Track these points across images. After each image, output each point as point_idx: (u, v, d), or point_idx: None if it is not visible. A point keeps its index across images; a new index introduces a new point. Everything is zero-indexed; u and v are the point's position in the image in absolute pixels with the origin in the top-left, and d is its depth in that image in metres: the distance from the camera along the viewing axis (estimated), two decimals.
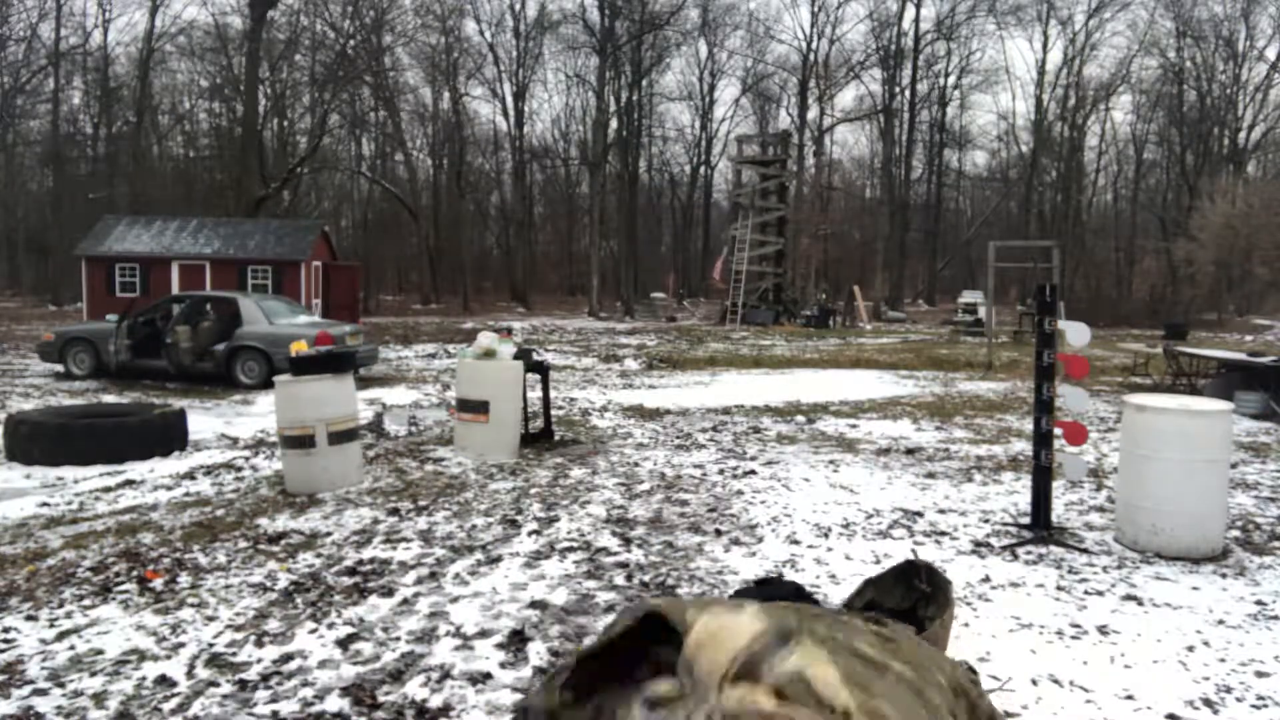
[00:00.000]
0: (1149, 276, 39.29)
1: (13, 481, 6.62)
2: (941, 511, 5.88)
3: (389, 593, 4.27)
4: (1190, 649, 3.69)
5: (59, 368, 13.12)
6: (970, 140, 50.43)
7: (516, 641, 3.70)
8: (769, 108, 50.49)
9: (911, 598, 3.42)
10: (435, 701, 3.17)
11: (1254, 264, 23.69)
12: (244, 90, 33.21)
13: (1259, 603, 4.25)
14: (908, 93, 45.76)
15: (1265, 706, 3.21)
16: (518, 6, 44.20)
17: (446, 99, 42.18)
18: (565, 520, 5.55)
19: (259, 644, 3.67)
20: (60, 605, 4.10)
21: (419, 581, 4.43)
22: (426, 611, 4.03)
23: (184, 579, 4.47)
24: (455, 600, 4.18)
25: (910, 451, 7.94)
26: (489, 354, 7.65)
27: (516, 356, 7.76)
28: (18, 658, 3.53)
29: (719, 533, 5.32)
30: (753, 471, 7.03)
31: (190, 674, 3.40)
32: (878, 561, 4.75)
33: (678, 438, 8.56)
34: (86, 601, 4.14)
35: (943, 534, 5.37)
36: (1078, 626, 3.92)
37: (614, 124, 42.56)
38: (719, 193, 54.08)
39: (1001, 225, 45.23)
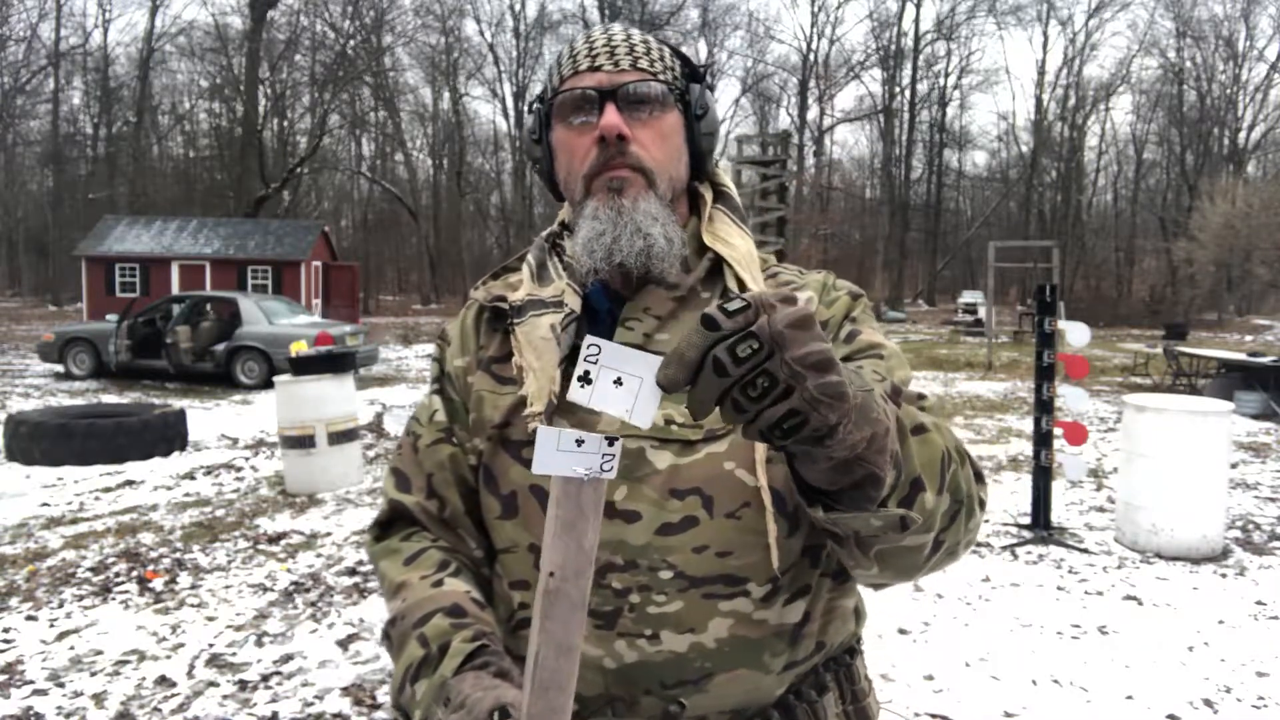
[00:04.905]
0: (1149, 276, 39.29)
1: (13, 481, 6.62)
2: None
3: None
4: (1190, 649, 3.69)
5: (59, 368, 13.12)
6: (970, 140, 50.37)
7: None
8: (769, 108, 50.45)
9: None
10: None
11: (1254, 264, 23.65)
12: (244, 90, 33.24)
13: (1259, 603, 4.25)
14: (908, 93, 45.74)
15: (1265, 706, 3.21)
16: (518, 6, 44.34)
17: (446, 99, 42.19)
18: None
19: (259, 644, 3.67)
20: (60, 605, 4.10)
21: None
22: None
23: (184, 579, 4.47)
24: None
25: None
26: None
27: None
28: (18, 658, 3.53)
29: None
30: None
31: (190, 674, 3.40)
32: None
33: None
34: (86, 601, 4.14)
35: None
36: (1078, 626, 3.92)
37: None
38: None
39: (1001, 225, 45.15)
